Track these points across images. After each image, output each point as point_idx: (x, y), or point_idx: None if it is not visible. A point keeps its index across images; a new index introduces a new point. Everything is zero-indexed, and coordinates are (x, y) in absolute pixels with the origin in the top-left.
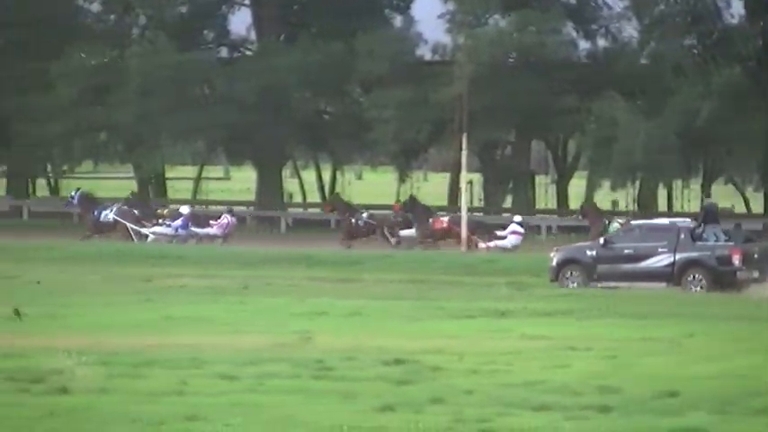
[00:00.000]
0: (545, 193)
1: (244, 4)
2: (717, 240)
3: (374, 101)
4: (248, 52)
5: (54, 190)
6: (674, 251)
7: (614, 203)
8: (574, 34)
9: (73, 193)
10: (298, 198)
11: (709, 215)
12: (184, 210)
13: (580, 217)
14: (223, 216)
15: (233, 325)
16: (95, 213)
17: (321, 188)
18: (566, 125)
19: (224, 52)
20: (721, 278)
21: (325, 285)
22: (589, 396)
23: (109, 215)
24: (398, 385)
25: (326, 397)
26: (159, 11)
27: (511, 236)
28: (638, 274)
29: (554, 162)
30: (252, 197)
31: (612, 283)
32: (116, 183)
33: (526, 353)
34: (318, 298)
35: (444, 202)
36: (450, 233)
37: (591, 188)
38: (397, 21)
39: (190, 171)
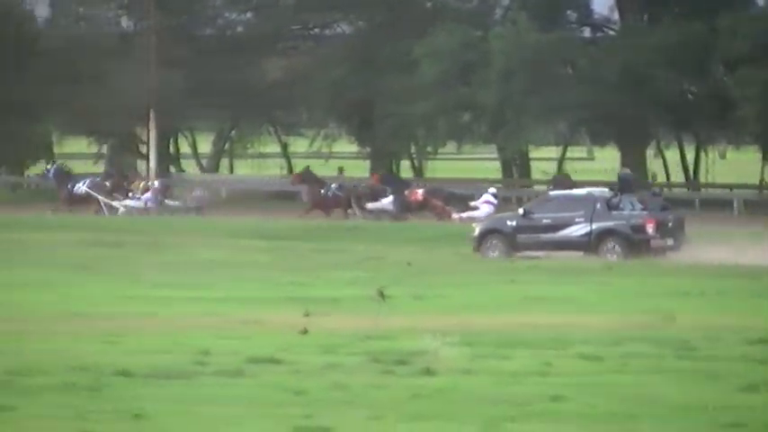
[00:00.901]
0: None
1: None
2: (633, 209)
3: (737, 80)
4: (611, 32)
5: (418, 171)
6: (591, 220)
7: None
8: None
9: (48, 167)
10: (662, 178)
11: (625, 185)
12: (155, 183)
13: (551, 187)
14: (196, 189)
15: (595, 305)
16: (69, 187)
17: (685, 168)
18: None
19: (586, 32)
20: (635, 246)
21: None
22: None
23: (82, 188)
24: (762, 365)
25: (690, 377)
26: None
27: (483, 206)
28: (557, 244)
29: None
30: (614, 177)
31: (532, 253)
32: (478, 164)
33: None
34: (680, 278)
35: None
36: (426, 205)
37: None
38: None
39: (553, 151)
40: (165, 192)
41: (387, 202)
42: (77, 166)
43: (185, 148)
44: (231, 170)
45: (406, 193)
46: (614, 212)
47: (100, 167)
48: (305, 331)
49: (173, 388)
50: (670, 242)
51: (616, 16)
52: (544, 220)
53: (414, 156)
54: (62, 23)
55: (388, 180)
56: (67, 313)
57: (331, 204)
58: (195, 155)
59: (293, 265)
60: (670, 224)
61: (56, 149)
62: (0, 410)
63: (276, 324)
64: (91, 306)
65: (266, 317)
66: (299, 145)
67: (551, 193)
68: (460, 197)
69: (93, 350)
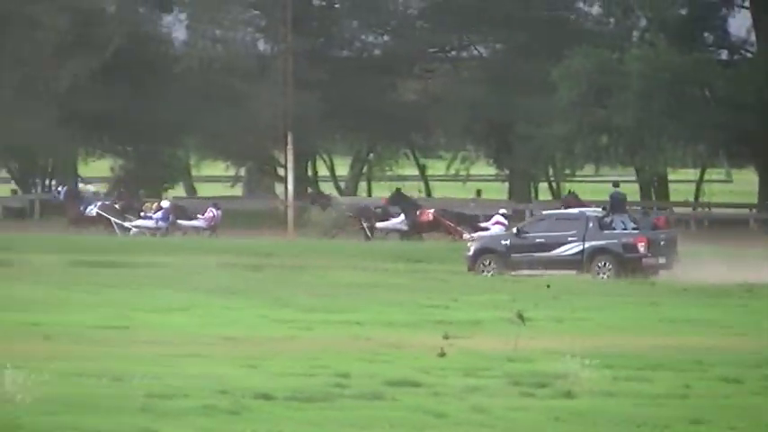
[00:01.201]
0: None
1: (743, 6)
2: (624, 228)
3: None
4: (748, 54)
5: (556, 193)
6: (583, 239)
7: None
8: None
9: (59, 189)
10: None
11: (616, 204)
12: (165, 203)
13: (562, 207)
14: (208, 210)
15: (735, 326)
16: (81, 208)
17: None
18: None
19: (723, 54)
20: (627, 265)
21: None
22: None
23: (93, 209)
24: None
25: None
26: (660, 13)
27: (494, 227)
28: (550, 262)
29: None
30: (754, 199)
31: (526, 272)
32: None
33: None
34: None
35: None
36: (436, 225)
37: None
38: None
39: (691, 174)
40: (176, 212)
41: (397, 221)
42: (214, 189)
43: (324, 170)
44: (369, 193)
45: (417, 213)
46: (606, 231)
47: (237, 191)
48: (442, 354)
49: (312, 411)
50: (662, 260)
51: (753, 38)
52: (537, 240)
53: (552, 178)
54: (199, 46)
55: (399, 200)
56: (210, 336)
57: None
58: (333, 177)
59: (432, 287)
60: (662, 242)
61: (193, 172)
62: None
63: (416, 347)
64: (233, 329)
65: (406, 339)
66: (437, 167)
67: (544, 212)
68: (471, 218)
69: (235, 373)
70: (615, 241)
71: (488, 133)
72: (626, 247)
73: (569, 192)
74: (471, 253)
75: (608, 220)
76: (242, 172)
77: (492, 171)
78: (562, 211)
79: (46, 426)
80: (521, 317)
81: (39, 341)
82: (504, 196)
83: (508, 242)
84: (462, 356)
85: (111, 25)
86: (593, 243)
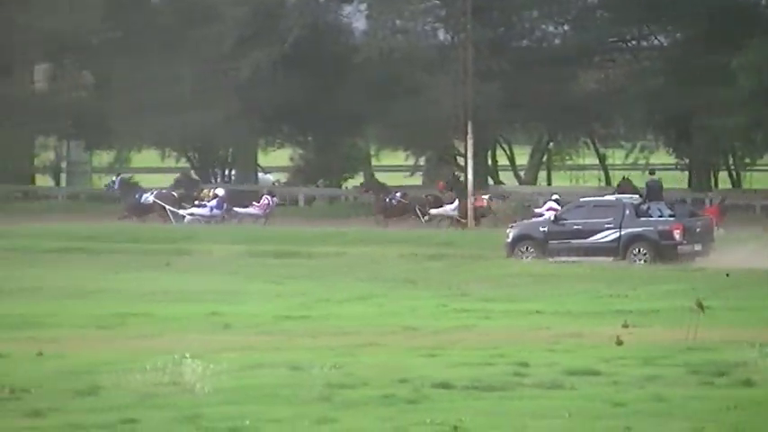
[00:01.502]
0: None
1: None
2: (661, 216)
3: None
4: None
5: (736, 183)
6: (620, 226)
7: None
8: None
9: (114, 179)
10: None
11: (652, 192)
12: (219, 191)
13: (616, 194)
14: (263, 197)
15: None
16: (136, 196)
17: None
18: None
19: None
20: (663, 252)
21: None
22: None
23: (149, 198)
24: None
25: None
26: None
27: (548, 213)
28: (587, 249)
29: None
30: None
31: (563, 259)
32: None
33: None
34: None
35: None
36: (488, 211)
37: None
38: None
39: None
40: (232, 200)
41: (450, 208)
42: (394, 179)
43: (504, 160)
44: (549, 182)
45: (471, 199)
46: (642, 219)
47: (417, 179)
48: (619, 342)
49: (491, 400)
50: (697, 247)
51: None
52: (575, 227)
53: (732, 167)
54: (379, 36)
55: (454, 185)
56: (390, 325)
57: (395, 211)
58: (513, 167)
59: (612, 276)
60: (698, 230)
61: (373, 162)
62: (322, 423)
63: (596, 336)
64: (413, 318)
65: (586, 329)
66: (616, 157)
67: (582, 199)
68: (525, 204)
69: (415, 363)
70: (651, 228)
71: (668, 123)
72: (662, 234)
73: (624, 178)
74: (510, 240)
75: (644, 207)
76: (421, 161)
77: (672, 160)
78: (599, 198)
79: (225, 415)
80: (700, 305)
81: (218, 331)
82: (684, 185)
83: (546, 229)
84: (641, 345)
85: (291, 16)
86: (630, 230)
